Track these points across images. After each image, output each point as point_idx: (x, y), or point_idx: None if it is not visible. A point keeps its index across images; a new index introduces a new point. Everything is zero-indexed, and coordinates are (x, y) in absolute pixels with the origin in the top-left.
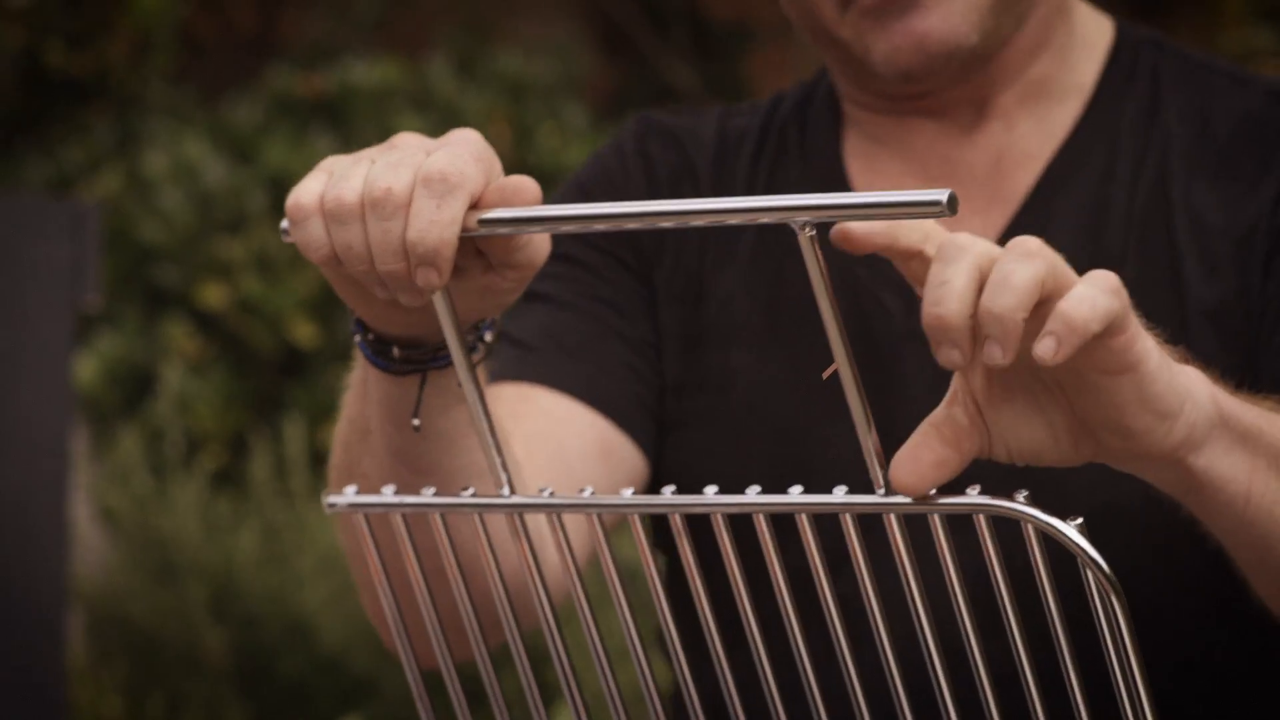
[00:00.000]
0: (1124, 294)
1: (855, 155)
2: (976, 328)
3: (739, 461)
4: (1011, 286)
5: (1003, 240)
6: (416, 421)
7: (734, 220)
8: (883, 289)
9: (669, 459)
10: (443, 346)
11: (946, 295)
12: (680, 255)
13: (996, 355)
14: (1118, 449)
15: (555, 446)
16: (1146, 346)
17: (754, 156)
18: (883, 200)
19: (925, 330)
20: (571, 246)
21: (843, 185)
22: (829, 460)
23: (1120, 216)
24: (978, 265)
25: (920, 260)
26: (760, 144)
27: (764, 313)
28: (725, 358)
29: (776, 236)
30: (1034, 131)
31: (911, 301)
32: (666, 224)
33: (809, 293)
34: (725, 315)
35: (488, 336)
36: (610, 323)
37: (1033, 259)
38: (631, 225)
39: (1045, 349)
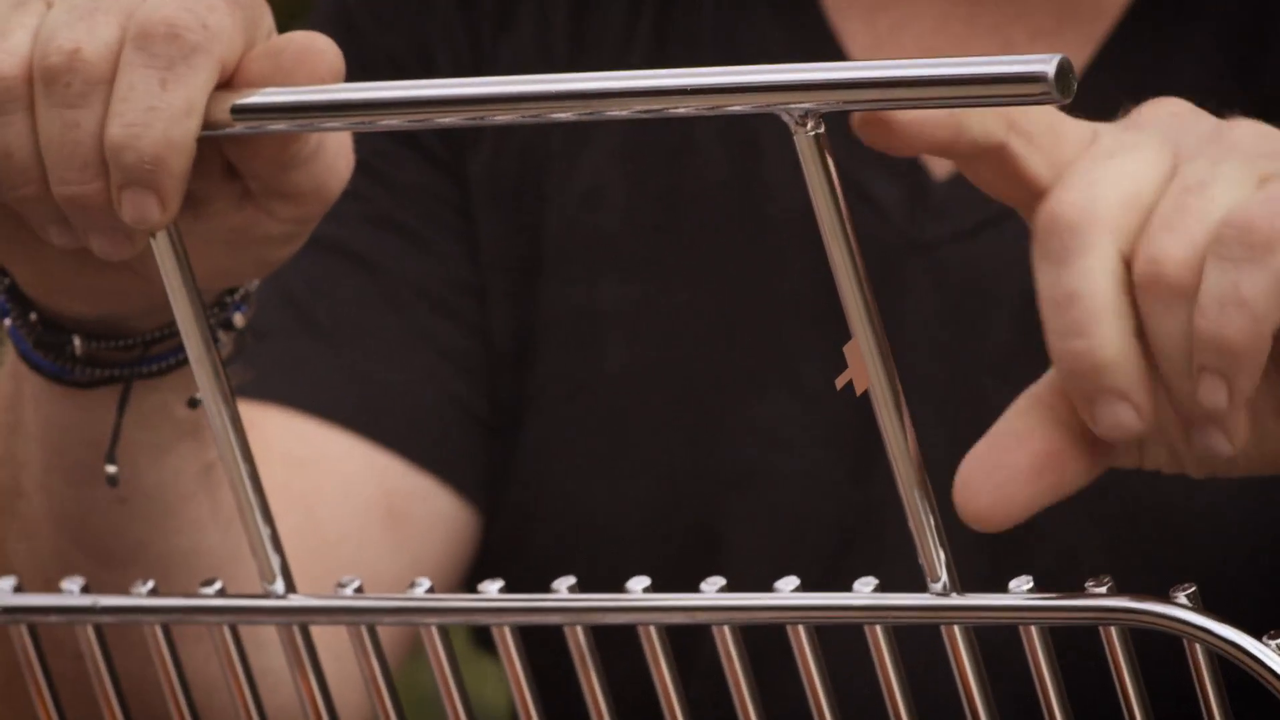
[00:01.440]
0: None
1: None
2: (1154, 354)
3: (616, 471)
4: (1243, 300)
5: (1090, 80)
6: (112, 469)
7: (682, 109)
8: (873, 175)
9: (503, 480)
10: (159, 339)
11: (1085, 318)
12: (509, 129)
13: (1220, 399)
14: None
15: (300, 515)
16: None
17: None
18: (938, 74)
19: (1065, 378)
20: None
21: (813, 20)
22: (766, 463)
23: None
24: (1119, 239)
25: (1001, 162)
26: None
27: (652, 216)
28: (588, 292)
29: None
30: None
31: (916, 194)
32: (563, 115)
33: (731, 182)
34: (585, 223)
35: (238, 319)
36: (403, 267)
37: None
38: (503, 117)
39: (1208, 396)
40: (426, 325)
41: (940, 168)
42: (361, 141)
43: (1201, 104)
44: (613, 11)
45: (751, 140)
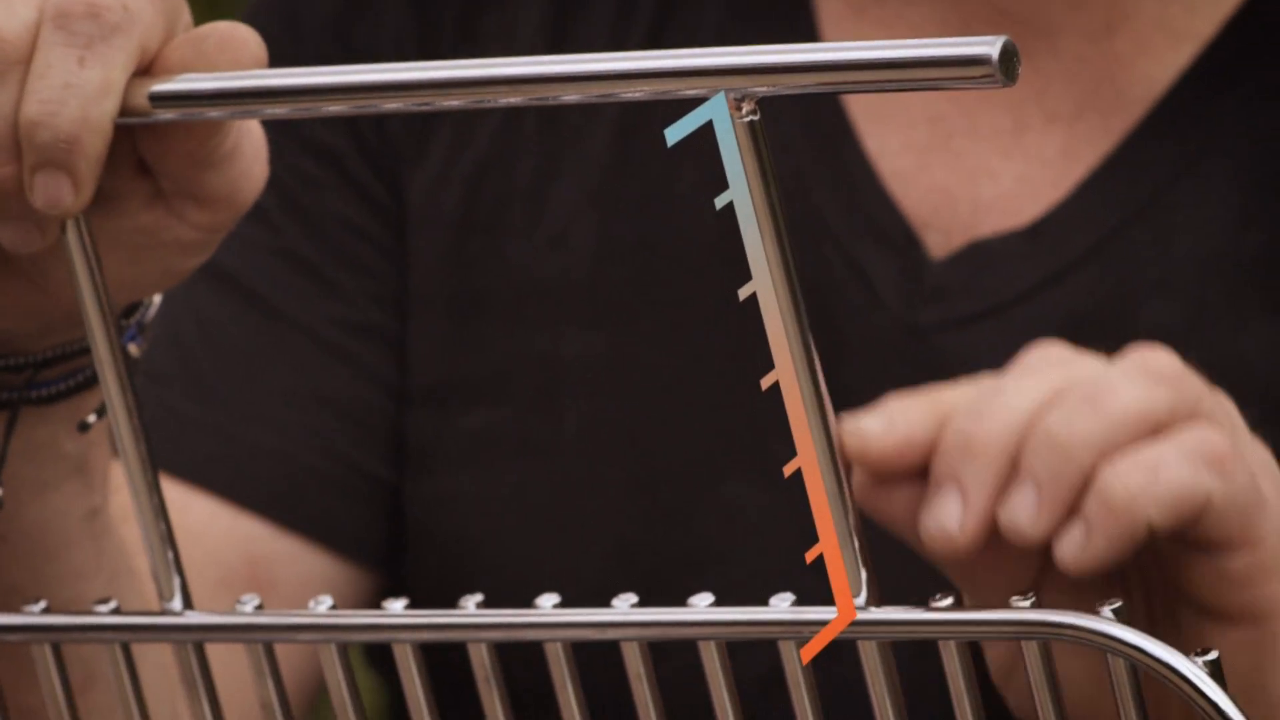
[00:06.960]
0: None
1: (834, 10)
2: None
3: (562, 540)
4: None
5: (1107, 175)
6: None
7: (630, 93)
8: (867, 246)
9: (424, 533)
10: (50, 360)
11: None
12: (466, 134)
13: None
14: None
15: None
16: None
17: None
18: (879, 57)
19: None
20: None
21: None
22: (728, 549)
23: None
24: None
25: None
26: None
27: (625, 265)
28: (549, 339)
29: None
30: None
31: (911, 272)
32: (511, 99)
33: (713, 236)
34: (551, 265)
35: (132, 349)
36: (302, 311)
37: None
38: (450, 101)
39: (1067, 548)
40: (317, 377)
41: (939, 246)
42: (281, 164)
43: (1229, 215)
44: (596, 26)
45: None
